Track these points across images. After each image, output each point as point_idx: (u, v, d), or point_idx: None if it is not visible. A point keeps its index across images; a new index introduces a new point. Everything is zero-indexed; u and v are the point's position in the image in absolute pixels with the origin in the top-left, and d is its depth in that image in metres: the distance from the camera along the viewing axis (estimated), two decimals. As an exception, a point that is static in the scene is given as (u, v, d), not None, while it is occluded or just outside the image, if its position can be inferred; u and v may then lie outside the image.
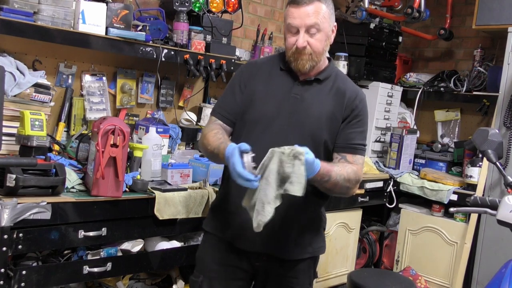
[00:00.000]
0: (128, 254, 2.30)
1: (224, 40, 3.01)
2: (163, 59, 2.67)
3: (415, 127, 4.16)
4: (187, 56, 2.78)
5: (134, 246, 2.32)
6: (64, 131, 2.63)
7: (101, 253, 2.22)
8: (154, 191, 2.28)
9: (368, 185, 3.59)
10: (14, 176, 1.90)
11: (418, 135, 4.04)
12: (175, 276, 2.66)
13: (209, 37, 2.93)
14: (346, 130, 1.85)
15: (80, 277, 2.12)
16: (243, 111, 1.88)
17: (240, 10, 3.10)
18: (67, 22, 2.32)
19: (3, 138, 2.00)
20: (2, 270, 1.86)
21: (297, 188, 1.56)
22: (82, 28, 2.36)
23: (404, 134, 3.79)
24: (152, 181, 2.43)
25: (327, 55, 1.93)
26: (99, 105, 2.75)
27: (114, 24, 2.46)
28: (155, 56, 2.64)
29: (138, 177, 2.33)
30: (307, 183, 1.60)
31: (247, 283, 1.96)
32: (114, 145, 2.09)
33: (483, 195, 3.34)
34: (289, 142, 1.62)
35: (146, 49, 2.60)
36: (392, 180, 3.78)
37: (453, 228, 3.51)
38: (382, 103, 3.93)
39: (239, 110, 1.89)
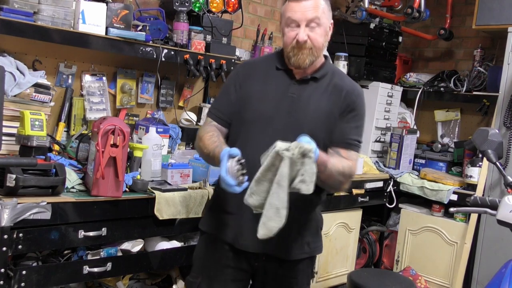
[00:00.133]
0: (128, 254, 2.30)
1: (224, 40, 3.01)
2: (163, 59, 2.67)
3: (415, 127, 4.16)
4: (187, 56, 2.78)
5: (134, 246, 2.32)
6: (64, 131, 2.63)
7: (101, 253, 2.22)
8: (154, 191, 2.28)
9: (368, 185, 3.59)
10: (14, 176, 1.90)
11: (418, 135, 4.04)
12: (175, 276, 2.66)
13: (209, 37, 2.93)
14: (341, 124, 1.83)
15: (80, 277, 2.12)
16: (239, 112, 1.87)
17: (240, 10, 3.10)
18: (67, 22, 2.32)
19: (3, 138, 2.00)
20: (2, 270, 1.86)
21: (310, 187, 1.54)
22: (82, 28, 2.36)
23: (404, 134, 3.79)
24: (152, 181, 2.43)
25: (325, 52, 1.93)
26: (99, 105, 2.75)
27: (114, 24, 2.46)
28: (155, 56, 2.64)
29: (138, 177, 2.33)
30: None
31: (246, 284, 1.95)
32: (114, 145, 2.09)
33: (483, 195, 3.34)
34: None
35: (146, 49, 2.61)
36: (392, 180, 3.78)
37: (453, 228, 3.51)
38: (382, 103, 3.93)
39: (234, 111, 1.88)
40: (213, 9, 2.98)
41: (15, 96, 2.21)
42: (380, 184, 3.72)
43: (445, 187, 3.53)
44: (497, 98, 3.45)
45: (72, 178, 2.18)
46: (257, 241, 1.78)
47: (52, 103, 2.36)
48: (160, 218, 2.27)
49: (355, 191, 3.48)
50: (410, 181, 3.73)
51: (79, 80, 2.71)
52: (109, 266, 2.18)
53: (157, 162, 2.50)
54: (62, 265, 2.10)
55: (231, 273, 1.88)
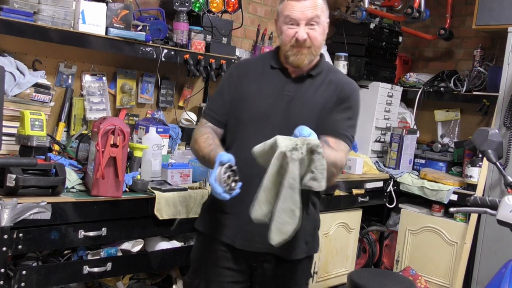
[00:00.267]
0: (128, 254, 2.30)
1: (224, 40, 3.01)
2: (163, 59, 2.67)
3: (415, 127, 4.16)
4: (187, 56, 2.78)
5: (134, 246, 2.32)
6: (64, 131, 2.63)
7: (101, 253, 2.22)
8: (154, 191, 2.28)
9: (368, 185, 3.59)
10: (14, 176, 1.90)
11: (418, 135, 4.05)
12: (175, 276, 2.66)
13: (209, 37, 2.93)
14: (332, 114, 1.81)
15: (80, 277, 2.12)
16: (234, 112, 1.86)
17: (240, 10, 3.10)
18: (67, 22, 2.32)
19: (3, 138, 2.00)
20: (2, 270, 1.86)
21: (322, 184, 1.49)
22: (82, 28, 2.36)
23: (404, 134, 3.79)
24: (152, 181, 2.43)
25: (321, 53, 1.92)
26: (99, 105, 2.75)
27: (114, 24, 2.46)
28: (155, 56, 2.65)
29: (138, 177, 2.33)
30: None
31: (244, 285, 1.93)
32: (114, 145, 2.09)
33: (483, 195, 3.34)
34: None
35: (146, 49, 2.61)
36: (392, 180, 3.78)
37: (453, 228, 3.51)
38: (382, 103, 3.93)
39: (229, 111, 1.87)
40: (213, 9, 2.98)
41: (15, 96, 2.21)
42: (380, 184, 3.72)
43: (445, 187, 3.53)
44: (497, 98, 3.45)
45: (72, 178, 2.19)
46: (257, 240, 1.78)
47: (52, 103, 2.36)
48: (160, 218, 2.27)
49: (355, 191, 3.48)
50: (410, 181, 3.73)
51: (79, 80, 2.71)
52: (109, 266, 2.18)
53: (157, 162, 2.50)
54: (62, 265, 2.10)
55: (229, 274, 1.87)
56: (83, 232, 2.08)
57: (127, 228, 2.23)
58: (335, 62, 3.80)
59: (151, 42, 2.62)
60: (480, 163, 3.42)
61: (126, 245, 2.31)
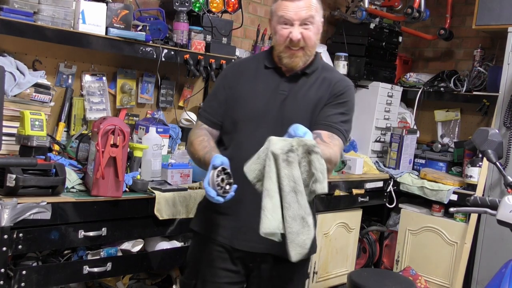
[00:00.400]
0: (128, 254, 2.30)
1: (224, 40, 3.01)
2: (163, 59, 2.67)
3: (415, 127, 4.16)
4: (187, 56, 2.78)
5: (134, 246, 2.32)
6: (64, 131, 2.63)
7: (101, 253, 2.22)
8: (154, 191, 2.28)
9: (368, 185, 3.59)
10: (14, 176, 1.90)
11: (418, 135, 4.05)
12: (175, 276, 2.66)
13: (209, 37, 2.93)
14: (326, 109, 1.79)
15: (80, 277, 2.12)
16: (229, 112, 1.85)
17: (240, 10, 3.10)
18: (67, 22, 2.32)
19: (3, 138, 2.00)
20: (2, 270, 1.86)
21: (324, 185, 1.41)
22: (82, 28, 2.36)
23: (404, 134, 3.79)
24: (152, 181, 2.43)
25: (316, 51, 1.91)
26: (99, 105, 2.75)
27: (114, 24, 2.46)
28: (155, 56, 2.65)
29: (138, 177, 2.33)
30: None
31: (241, 286, 1.92)
32: (114, 145, 2.09)
33: (483, 195, 3.34)
34: None
35: (146, 49, 2.61)
36: (392, 180, 3.78)
37: (453, 228, 3.51)
38: (382, 103, 3.93)
39: (223, 112, 1.87)
40: (213, 9, 2.97)
41: (15, 96, 2.21)
42: (380, 184, 3.72)
43: (445, 187, 3.53)
44: (497, 98, 3.45)
45: (72, 178, 2.19)
46: (254, 240, 1.75)
47: (52, 103, 2.36)
48: (160, 218, 2.27)
49: (355, 191, 3.48)
50: (410, 181, 3.73)
51: (79, 80, 2.71)
52: (109, 266, 2.18)
53: (157, 162, 2.50)
54: (62, 265, 2.10)
55: (226, 275, 1.85)
56: (83, 232, 2.08)
57: (127, 228, 2.23)
58: (335, 62, 3.80)
59: (151, 42, 2.62)
60: (480, 163, 3.42)
61: (126, 245, 2.31)
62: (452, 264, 3.48)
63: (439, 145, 3.95)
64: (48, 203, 1.95)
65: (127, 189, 2.28)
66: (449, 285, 3.50)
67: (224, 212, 1.83)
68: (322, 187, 1.42)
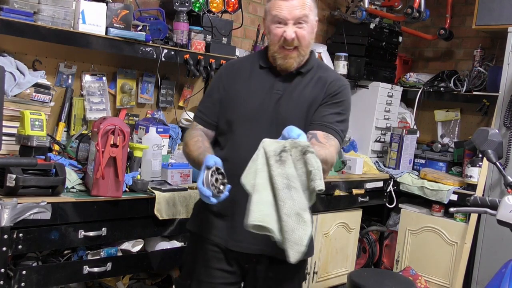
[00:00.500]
0: (128, 254, 2.30)
1: (224, 40, 3.01)
2: (163, 59, 2.67)
3: (415, 127, 4.16)
4: (187, 56, 2.78)
5: (134, 246, 2.32)
6: (64, 131, 2.63)
7: (101, 253, 2.22)
8: (154, 191, 2.28)
9: (368, 185, 3.59)
10: (14, 176, 1.90)
11: (418, 135, 4.05)
12: (175, 276, 2.66)
13: (209, 37, 2.93)
14: (321, 109, 1.78)
15: (80, 277, 2.12)
16: (224, 113, 1.85)
17: (240, 10, 3.10)
18: (67, 22, 2.32)
19: (3, 138, 2.00)
20: (2, 270, 1.86)
21: (321, 183, 1.39)
22: (82, 28, 2.36)
23: (404, 134, 3.79)
24: (152, 181, 2.43)
25: (311, 50, 1.90)
26: (99, 105, 2.75)
27: (114, 24, 2.46)
28: (155, 56, 2.65)
29: (138, 177, 2.33)
30: None
31: (236, 286, 1.91)
32: (114, 145, 2.09)
33: (483, 195, 3.34)
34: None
35: (146, 49, 2.61)
36: (392, 180, 3.78)
37: (453, 228, 3.51)
38: (382, 103, 3.93)
39: (218, 112, 1.86)
40: (213, 9, 2.97)
41: (15, 96, 2.21)
42: (380, 184, 3.72)
43: (445, 187, 3.53)
44: (497, 98, 3.46)
45: (72, 178, 2.19)
46: (250, 241, 1.75)
47: (52, 103, 2.36)
48: (160, 218, 2.27)
49: (355, 191, 3.48)
50: (410, 181, 3.73)
51: (79, 80, 2.71)
52: (109, 266, 2.18)
53: (157, 162, 2.50)
54: (62, 265, 2.10)
55: (221, 276, 1.85)
56: (83, 232, 2.08)
57: (127, 228, 2.23)
58: (335, 62, 3.80)
59: (151, 42, 2.62)
60: (480, 163, 3.42)
61: (126, 245, 2.31)
62: (452, 264, 3.48)
63: (439, 145, 3.95)
64: (48, 203, 1.95)
65: (127, 189, 2.28)
66: (449, 285, 3.50)
67: (219, 212, 1.82)
68: (320, 184, 1.40)
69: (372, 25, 3.82)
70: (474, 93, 3.82)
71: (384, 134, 3.99)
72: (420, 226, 3.66)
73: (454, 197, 3.49)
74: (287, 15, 1.73)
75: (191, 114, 3.11)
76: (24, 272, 1.93)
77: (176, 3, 2.74)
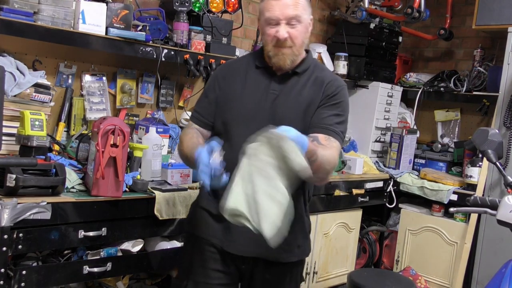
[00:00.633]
0: (128, 254, 2.30)
1: (224, 40, 3.01)
2: (163, 59, 2.67)
3: (415, 127, 4.16)
4: (187, 56, 2.78)
5: (134, 246, 2.32)
6: (64, 131, 2.63)
7: (101, 253, 2.22)
8: (154, 191, 2.28)
9: (368, 185, 3.59)
10: (14, 176, 1.90)
11: (418, 135, 4.05)
12: (175, 276, 2.66)
13: (209, 37, 2.93)
14: (320, 111, 1.78)
15: (80, 277, 2.12)
16: (220, 113, 1.84)
17: (240, 10, 3.10)
18: (67, 22, 2.32)
19: (3, 138, 2.00)
20: (2, 270, 1.86)
21: (299, 161, 1.41)
22: (82, 28, 2.36)
23: (404, 134, 3.79)
24: (152, 181, 2.43)
25: (308, 50, 1.89)
26: (99, 105, 2.75)
27: (114, 24, 2.46)
28: (155, 56, 2.64)
29: (138, 177, 2.33)
30: None
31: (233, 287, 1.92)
32: (114, 145, 2.09)
33: (483, 195, 3.34)
34: None
35: (146, 49, 2.60)
36: (392, 180, 3.78)
37: (453, 228, 3.51)
38: (382, 103, 3.93)
39: (214, 112, 1.86)
40: (213, 9, 2.97)
41: (15, 96, 2.21)
42: (380, 184, 3.72)
43: (445, 187, 3.53)
44: (497, 98, 3.46)
45: (72, 178, 2.19)
46: (246, 244, 1.75)
47: (52, 103, 2.36)
48: (160, 218, 2.27)
49: (355, 191, 3.48)
50: (410, 181, 3.73)
51: (79, 80, 2.71)
52: (109, 266, 2.18)
53: (157, 162, 2.50)
54: (62, 265, 2.10)
55: (218, 276, 1.84)
56: (83, 232, 2.08)
57: (127, 228, 2.23)
58: (335, 62, 3.80)
59: (151, 42, 2.62)
60: (480, 163, 3.42)
61: (126, 245, 2.31)
62: (452, 264, 3.48)
63: (439, 145, 3.95)
64: (48, 203, 1.95)
65: (127, 189, 2.28)
66: (449, 285, 3.50)
67: (216, 213, 1.80)
68: (298, 163, 1.42)
69: (372, 25, 3.82)
70: (474, 93, 3.82)
71: (384, 134, 3.99)
72: (420, 226, 3.66)
73: (454, 197, 3.49)
74: (279, 15, 1.73)
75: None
76: (24, 272, 1.93)
77: (176, 3, 2.74)
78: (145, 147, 2.45)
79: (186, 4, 2.77)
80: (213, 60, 2.89)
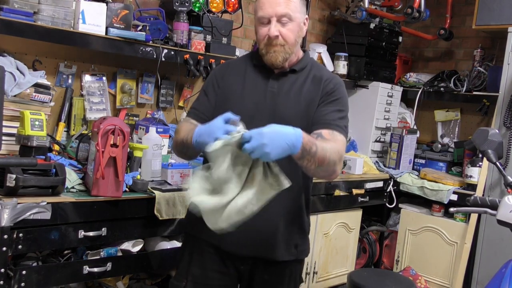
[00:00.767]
0: (128, 254, 2.30)
1: (224, 40, 3.01)
2: (163, 59, 2.67)
3: (415, 127, 4.16)
4: (187, 56, 2.78)
5: (134, 246, 2.32)
6: (64, 131, 2.63)
7: (101, 253, 2.22)
8: (154, 191, 2.28)
9: (368, 185, 3.59)
10: (14, 176, 1.90)
11: (418, 135, 4.05)
12: (173, 277, 2.65)
13: (209, 37, 2.93)
14: (321, 108, 1.78)
15: (80, 277, 2.12)
16: (219, 112, 1.81)
17: (240, 10, 3.10)
18: (67, 22, 2.32)
19: (3, 138, 2.00)
20: (2, 270, 1.86)
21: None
22: (82, 28, 2.36)
23: (404, 134, 3.79)
24: (152, 181, 2.43)
25: (305, 49, 1.90)
26: (99, 105, 2.75)
27: (114, 24, 2.46)
28: (155, 56, 2.64)
29: (138, 177, 2.33)
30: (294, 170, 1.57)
31: None
32: (114, 145, 2.09)
33: (483, 195, 3.34)
34: None
35: (146, 49, 2.60)
36: (392, 180, 3.78)
37: (453, 228, 3.51)
38: (382, 103, 3.93)
39: (214, 111, 1.84)
40: (213, 9, 2.97)
41: (15, 96, 2.21)
42: (380, 184, 3.72)
43: (445, 187, 3.53)
44: (497, 98, 3.46)
45: (72, 178, 2.19)
46: (244, 243, 1.75)
47: (52, 103, 2.36)
48: (160, 218, 2.27)
49: (355, 191, 3.48)
50: (410, 181, 3.73)
51: (79, 80, 2.71)
52: (109, 266, 2.18)
53: (157, 162, 2.50)
54: (62, 265, 2.10)
55: (217, 277, 1.84)
56: (83, 232, 2.08)
57: (127, 228, 2.23)
58: (335, 62, 3.80)
59: (151, 42, 2.62)
60: (480, 163, 3.42)
61: (126, 245, 2.31)
62: (452, 264, 3.48)
63: (439, 145, 3.95)
64: (48, 203, 1.95)
65: (127, 189, 2.28)
66: (449, 285, 3.50)
67: None
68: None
69: (372, 25, 3.82)
70: (474, 93, 3.82)
71: (384, 134, 3.99)
72: (420, 226, 3.66)
73: (454, 197, 3.49)
74: (270, 12, 1.74)
75: (191, 114, 3.11)
76: (24, 272, 1.93)
77: (176, 3, 2.74)
78: (145, 147, 2.45)
79: (186, 4, 2.77)
80: (213, 60, 2.89)
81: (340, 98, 1.82)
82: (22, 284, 1.93)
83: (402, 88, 4.14)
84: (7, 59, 2.29)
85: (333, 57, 3.81)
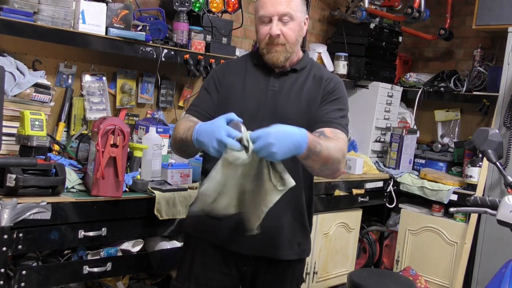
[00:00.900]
0: (128, 254, 2.30)
1: (224, 40, 3.01)
2: (163, 59, 2.67)
3: (415, 127, 4.16)
4: (187, 56, 2.78)
5: (134, 246, 2.32)
6: (64, 131, 2.63)
7: (101, 253, 2.22)
8: (154, 191, 2.28)
9: (368, 185, 3.59)
10: (14, 176, 1.90)
11: (418, 135, 4.05)
12: (174, 278, 2.65)
13: (209, 37, 2.93)
14: (322, 107, 1.79)
15: (80, 277, 2.12)
16: (220, 111, 1.79)
17: (240, 10, 3.10)
18: (67, 22, 2.32)
19: (3, 138, 2.00)
20: (2, 270, 1.86)
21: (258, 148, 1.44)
22: (82, 28, 2.36)
23: (404, 134, 3.79)
24: (152, 181, 2.43)
25: (307, 49, 1.90)
26: (99, 105, 2.75)
27: (114, 24, 2.46)
28: (155, 56, 2.64)
29: (138, 177, 2.33)
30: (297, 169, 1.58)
31: None
32: (114, 145, 2.09)
33: (483, 195, 3.34)
34: None
35: (146, 49, 2.60)
36: (392, 180, 3.78)
37: (453, 228, 3.51)
38: (382, 103, 3.94)
39: (214, 108, 1.84)
40: (213, 9, 2.97)
41: (15, 96, 2.21)
42: (380, 184, 3.72)
43: (445, 187, 3.53)
44: (497, 98, 3.46)
45: (72, 178, 2.18)
46: (247, 242, 1.75)
47: (52, 103, 2.36)
48: (160, 218, 2.27)
49: (355, 191, 3.48)
50: (410, 181, 3.73)
51: (79, 80, 2.71)
52: (109, 266, 2.18)
53: (157, 162, 2.50)
54: (62, 265, 2.10)
55: (220, 278, 1.83)
56: (83, 232, 2.08)
57: (127, 228, 2.23)
58: (335, 62, 3.80)
59: (151, 42, 2.62)
60: (480, 163, 3.42)
61: (126, 245, 2.31)
62: (452, 264, 3.48)
63: (439, 145, 3.95)
64: (48, 203, 1.95)
65: (127, 189, 2.28)
66: (449, 285, 3.50)
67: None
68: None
69: (372, 25, 3.82)
70: (474, 93, 3.82)
71: (384, 134, 3.99)
72: (420, 226, 3.66)
73: (454, 197, 3.49)
74: (272, 11, 1.74)
75: (191, 114, 3.11)
76: (24, 272, 1.93)
77: (176, 3, 2.74)
78: (145, 147, 2.45)
79: (186, 4, 2.77)
80: (213, 60, 2.89)
81: (341, 97, 1.83)
82: (22, 284, 1.93)
83: (402, 88, 4.14)
84: (7, 59, 2.30)
85: (333, 57, 3.81)
